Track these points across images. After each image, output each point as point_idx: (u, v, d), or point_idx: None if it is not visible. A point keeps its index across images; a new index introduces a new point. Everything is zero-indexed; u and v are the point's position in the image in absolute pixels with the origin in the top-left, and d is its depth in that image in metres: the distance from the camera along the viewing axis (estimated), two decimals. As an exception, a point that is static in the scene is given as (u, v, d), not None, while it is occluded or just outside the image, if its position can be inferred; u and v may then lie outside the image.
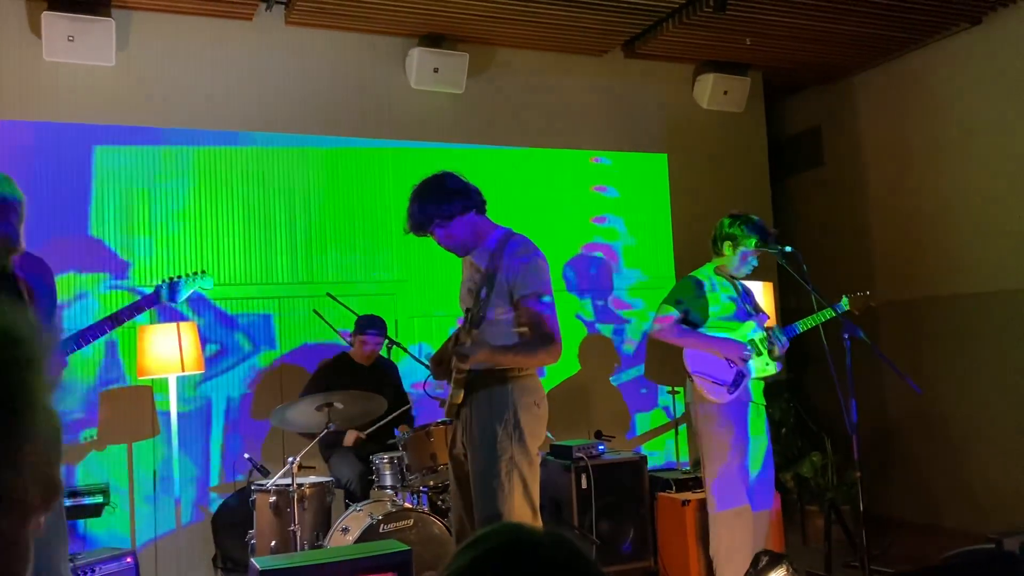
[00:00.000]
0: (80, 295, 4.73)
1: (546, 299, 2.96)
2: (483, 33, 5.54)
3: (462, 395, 2.97)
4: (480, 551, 0.85)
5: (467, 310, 3.00)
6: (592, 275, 5.98)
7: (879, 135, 6.42)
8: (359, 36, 5.42)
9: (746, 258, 3.95)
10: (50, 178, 4.71)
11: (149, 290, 3.25)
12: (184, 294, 3.13)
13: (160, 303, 3.07)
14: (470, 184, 3.09)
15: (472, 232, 3.05)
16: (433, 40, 5.50)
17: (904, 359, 5.68)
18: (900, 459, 6.05)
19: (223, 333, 5.02)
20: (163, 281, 3.18)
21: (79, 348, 2.77)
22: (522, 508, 2.90)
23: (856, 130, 6.59)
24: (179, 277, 3.18)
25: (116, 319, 2.87)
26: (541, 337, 2.91)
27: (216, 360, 4.93)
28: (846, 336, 3.71)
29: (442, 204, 2.99)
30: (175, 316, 4.80)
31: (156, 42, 5.00)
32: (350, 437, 4.62)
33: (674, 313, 3.89)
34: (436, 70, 5.45)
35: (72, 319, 4.56)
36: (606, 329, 5.97)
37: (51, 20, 4.63)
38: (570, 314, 5.78)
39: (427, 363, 4.55)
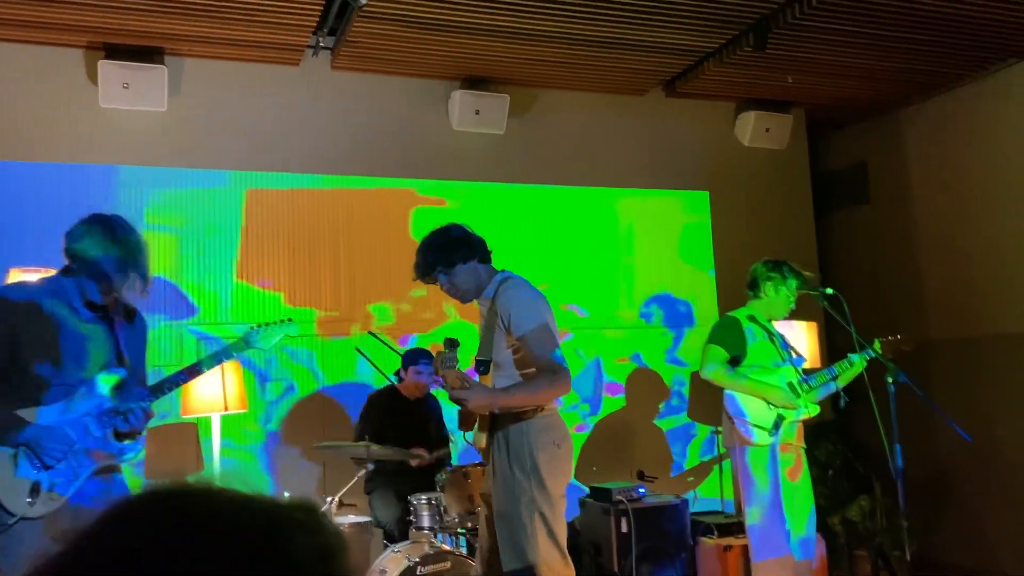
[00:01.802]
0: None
1: (543, 333, 3.00)
2: (524, 75, 5.61)
3: (485, 438, 3.04)
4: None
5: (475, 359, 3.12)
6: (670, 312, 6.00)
7: (927, 170, 6.32)
8: (402, 79, 5.53)
9: (789, 298, 3.94)
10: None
11: (225, 336, 3.20)
12: (271, 342, 3.04)
13: (243, 352, 3.00)
14: (474, 234, 3.21)
15: (475, 280, 3.15)
16: (474, 82, 5.58)
17: (958, 399, 5.54)
18: (953, 502, 5.86)
19: (267, 370, 5.09)
20: (251, 328, 3.07)
21: (162, 396, 2.77)
22: (548, 550, 2.90)
23: (903, 166, 6.49)
24: (265, 325, 3.07)
25: (196, 369, 2.85)
26: (543, 372, 2.96)
27: (262, 396, 5.00)
28: (890, 380, 3.63)
29: (445, 252, 3.11)
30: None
31: (207, 88, 5.16)
32: (414, 459, 4.58)
33: (723, 354, 3.87)
34: (477, 112, 5.53)
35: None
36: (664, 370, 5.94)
37: (107, 68, 4.81)
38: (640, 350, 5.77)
39: None
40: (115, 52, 4.86)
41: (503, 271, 3.21)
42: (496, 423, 3.02)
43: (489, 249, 3.20)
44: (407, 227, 5.49)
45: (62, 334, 2.58)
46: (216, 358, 2.88)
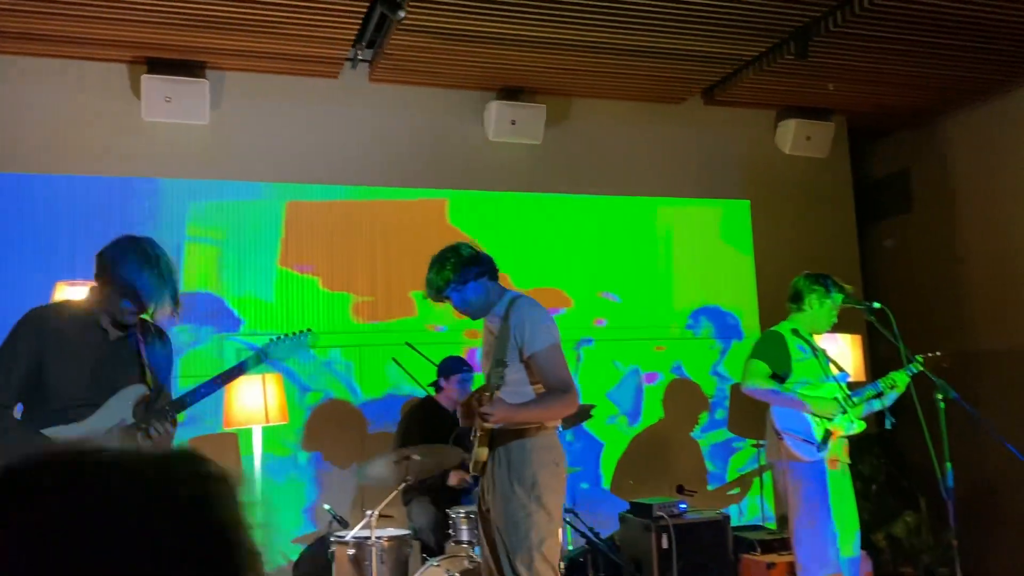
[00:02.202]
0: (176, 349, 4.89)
1: (556, 353, 3.09)
2: (560, 85, 5.59)
3: (487, 452, 3.09)
4: None
5: (487, 374, 3.17)
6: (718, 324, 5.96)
7: (970, 179, 6.19)
8: (439, 91, 5.54)
9: (832, 311, 3.88)
10: (148, 233, 4.90)
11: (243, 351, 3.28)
12: (288, 354, 3.05)
13: (259, 365, 3.00)
14: (483, 253, 3.29)
15: (485, 297, 3.22)
16: (511, 93, 5.57)
17: (1006, 413, 5.40)
18: (1004, 519, 5.71)
19: (307, 381, 5.11)
20: (269, 340, 3.08)
21: (183, 410, 2.78)
22: (541, 568, 2.96)
23: (946, 174, 6.37)
24: (280, 337, 3.06)
25: (215, 383, 2.87)
26: (554, 390, 3.04)
27: (300, 407, 5.02)
28: (939, 397, 3.55)
29: (457, 270, 3.17)
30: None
31: (247, 101, 5.21)
32: (454, 478, 4.59)
33: (766, 369, 3.82)
34: (513, 122, 5.52)
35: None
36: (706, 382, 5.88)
37: (150, 82, 4.87)
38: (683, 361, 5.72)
39: None
40: (158, 66, 4.92)
41: (514, 291, 3.31)
42: (496, 438, 3.09)
43: (497, 267, 3.29)
44: (444, 238, 5.47)
45: (89, 352, 2.63)
46: (232, 372, 2.90)
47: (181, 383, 4.88)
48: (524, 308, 3.14)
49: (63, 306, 2.72)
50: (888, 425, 3.91)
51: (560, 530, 3.11)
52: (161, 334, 2.88)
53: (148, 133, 5.00)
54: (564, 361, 3.11)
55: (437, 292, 3.23)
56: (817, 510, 3.64)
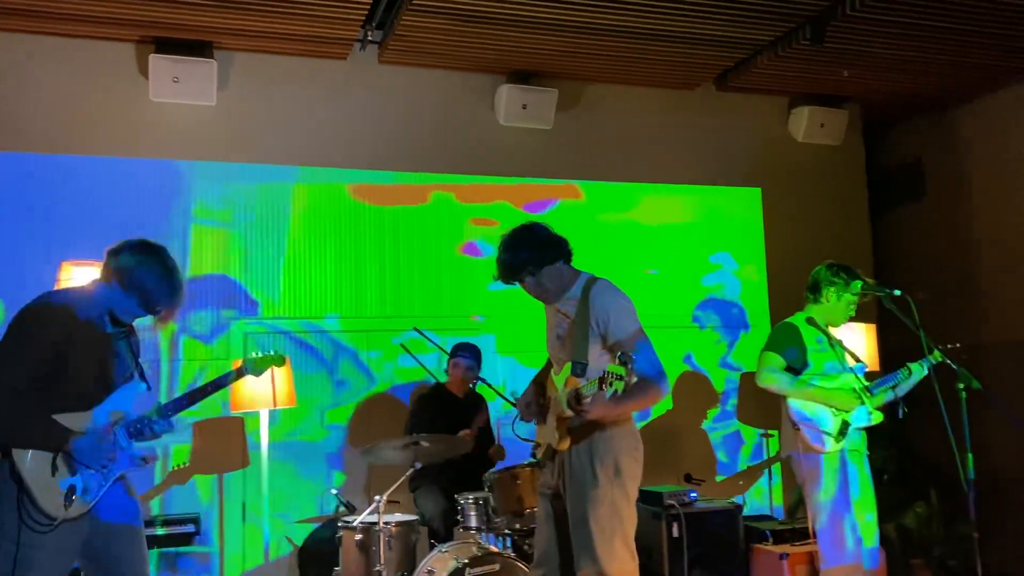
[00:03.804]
0: (181, 330, 4.85)
1: (643, 338, 2.97)
2: (572, 69, 5.52)
3: (568, 443, 2.97)
4: None
5: (558, 359, 3.05)
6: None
7: (985, 166, 6.12)
8: (449, 73, 5.47)
9: (850, 305, 3.82)
10: (154, 215, 4.86)
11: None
12: (261, 372, 3.11)
13: (237, 380, 3.11)
14: (559, 234, 3.15)
15: (560, 280, 3.09)
16: (522, 77, 5.50)
17: (1017, 404, 5.33)
18: (1011, 512, 5.66)
19: (314, 365, 5.07)
20: (245, 359, 3.17)
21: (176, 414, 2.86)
22: (622, 553, 2.90)
23: (959, 162, 6.30)
24: (258, 356, 3.14)
25: (203, 391, 2.94)
26: (649, 378, 2.89)
27: (307, 392, 4.98)
28: (961, 387, 3.50)
29: (535, 253, 3.05)
30: (265, 346, 4.87)
31: (255, 82, 5.15)
32: (466, 435, 4.48)
33: (780, 361, 3.76)
34: (525, 106, 5.45)
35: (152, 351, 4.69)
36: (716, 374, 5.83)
37: (157, 62, 4.81)
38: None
39: (513, 401, 4.52)
40: (165, 46, 4.86)
41: (586, 273, 3.14)
42: (578, 428, 2.96)
43: (571, 248, 3.13)
44: (454, 222, 5.43)
45: (96, 346, 2.70)
46: (216, 384, 2.97)
47: (186, 367, 4.85)
48: (605, 292, 3.00)
49: (76, 296, 2.73)
50: (901, 415, 3.86)
51: (636, 515, 3.02)
52: (134, 331, 2.95)
53: (155, 114, 4.95)
54: (651, 345, 2.97)
55: (512, 275, 3.08)
56: (836, 501, 3.61)
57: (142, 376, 2.83)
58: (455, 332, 5.20)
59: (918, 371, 3.87)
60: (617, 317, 2.95)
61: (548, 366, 3.27)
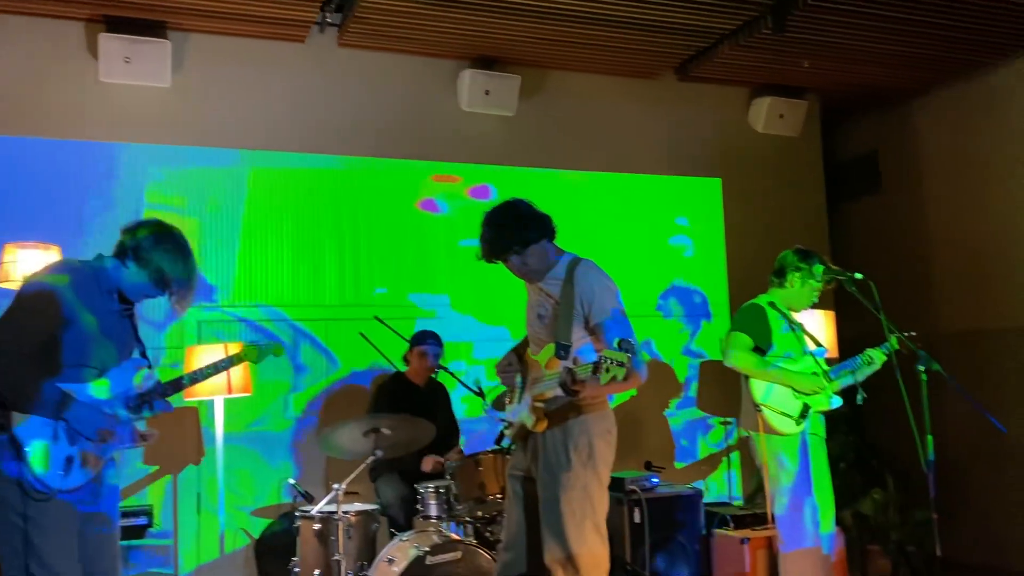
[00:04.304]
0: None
1: (626, 320, 2.95)
2: (535, 56, 5.49)
3: (546, 424, 2.94)
4: None
5: (539, 339, 3.02)
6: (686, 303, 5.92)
7: (940, 159, 6.22)
8: (411, 58, 5.39)
9: (814, 291, 3.84)
10: (104, 199, 4.72)
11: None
12: (260, 359, 3.08)
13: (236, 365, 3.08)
14: (543, 212, 3.09)
15: (544, 259, 3.05)
16: (485, 62, 5.45)
17: (971, 393, 5.43)
18: (965, 499, 5.77)
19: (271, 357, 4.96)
20: (250, 345, 3.13)
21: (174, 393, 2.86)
22: (592, 537, 2.89)
23: (915, 154, 6.39)
24: (260, 345, 3.09)
25: (193, 378, 2.94)
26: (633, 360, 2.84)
27: (264, 381, 4.88)
28: (921, 369, 3.53)
29: (520, 232, 2.99)
30: (221, 335, 4.78)
31: (211, 64, 5.02)
32: (427, 463, 4.48)
33: (748, 341, 3.77)
34: (487, 92, 5.40)
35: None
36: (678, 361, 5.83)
37: (108, 42, 4.66)
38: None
39: (476, 389, 4.48)
40: (117, 25, 4.72)
41: (570, 253, 3.10)
42: (554, 410, 2.94)
43: (555, 226, 3.08)
44: (415, 209, 5.37)
45: (103, 321, 2.67)
46: (216, 367, 2.97)
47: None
48: (590, 273, 2.98)
49: (87, 271, 2.70)
50: (860, 400, 3.88)
51: (608, 499, 3.00)
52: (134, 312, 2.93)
53: (106, 95, 4.80)
54: (628, 328, 2.92)
55: (497, 254, 3.02)
56: (797, 484, 3.62)
57: (143, 354, 2.82)
58: (416, 319, 5.14)
59: (879, 357, 3.91)
60: (601, 299, 2.93)
61: (525, 342, 3.23)
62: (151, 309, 4.74)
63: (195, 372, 2.92)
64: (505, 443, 3.41)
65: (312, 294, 5.09)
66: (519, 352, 3.25)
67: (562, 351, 2.88)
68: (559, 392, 2.85)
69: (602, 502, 2.95)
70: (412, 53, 5.36)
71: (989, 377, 5.65)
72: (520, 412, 3.05)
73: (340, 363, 5.10)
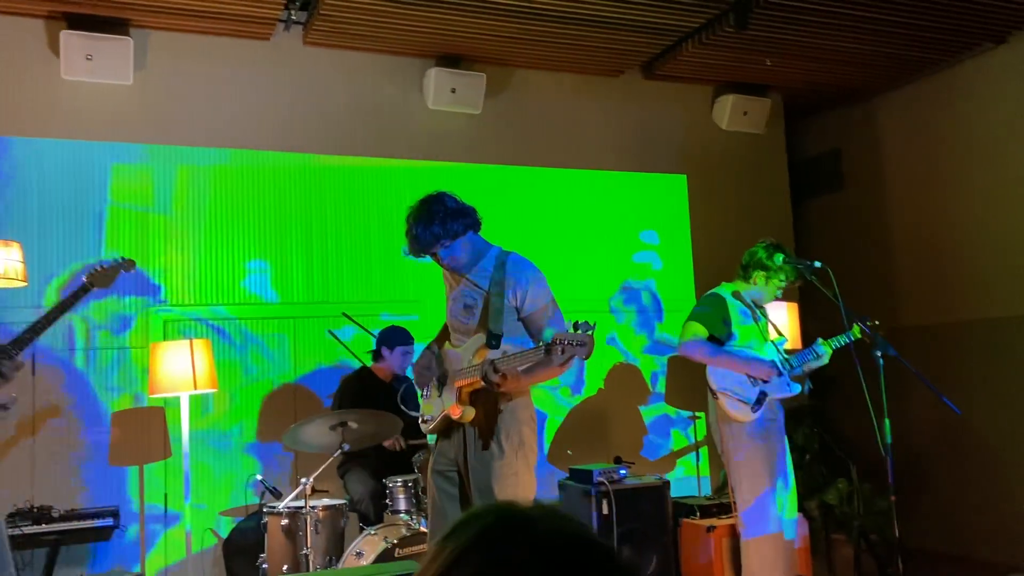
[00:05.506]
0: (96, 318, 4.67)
1: (556, 309, 3.00)
2: (500, 54, 5.51)
3: (473, 413, 2.95)
4: (476, 529, 0.82)
5: (464, 329, 3.04)
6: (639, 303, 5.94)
7: (901, 157, 6.33)
8: (376, 56, 5.40)
9: (777, 289, 3.89)
10: (67, 197, 4.68)
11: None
12: (110, 282, 3.10)
13: (88, 292, 3.06)
14: (467, 203, 3.08)
15: (472, 251, 3.05)
16: (450, 60, 5.47)
17: (933, 385, 5.53)
18: (927, 487, 5.88)
19: (237, 353, 4.94)
20: (95, 269, 3.13)
21: (27, 346, 2.83)
22: None
23: (877, 152, 6.50)
24: (105, 265, 3.10)
25: (50, 317, 2.90)
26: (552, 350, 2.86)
27: (230, 380, 4.85)
28: (879, 354, 3.59)
29: (447, 224, 2.96)
30: (188, 333, 4.74)
31: (174, 61, 4.99)
32: (387, 441, 4.43)
33: (702, 330, 3.80)
34: (453, 90, 5.42)
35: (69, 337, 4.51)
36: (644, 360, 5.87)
37: (69, 39, 4.62)
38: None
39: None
40: (78, 22, 4.68)
41: (496, 246, 3.11)
42: (478, 399, 2.95)
43: (480, 217, 3.08)
44: (382, 207, 5.37)
45: None
46: (62, 306, 2.94)
47: (102, 355, 4.67)
48: (521, 265, 2.99)
49: None
50: (806, 389, 3.93)
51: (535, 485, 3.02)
52: None
53: (68, 92, 4.75)
54: (561, 317, 2.96)
55: (425, 249, 3.00)
56: (757, 470, 3.65)
57: None
58: (384, 316, 5.14)
59: (825, 350, 3.90)
60: (534, 290, 2.95)
61: (443, 335, 3.23)
62: (117, 308, 4.70)
63: (36, 322, 2.84)
64: (431, 439, 3.38)
65: (279, 291, 5.08)
66: (435, 346, 3.22)
67: (494, 340, 2.88)
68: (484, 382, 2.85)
69: (531, 486, 2.96)
70: (378, 51, 5.37)
71: (950, 368, 5.75)
72: (445, 404, 3.03)
73: (303, 363, 5.08)
